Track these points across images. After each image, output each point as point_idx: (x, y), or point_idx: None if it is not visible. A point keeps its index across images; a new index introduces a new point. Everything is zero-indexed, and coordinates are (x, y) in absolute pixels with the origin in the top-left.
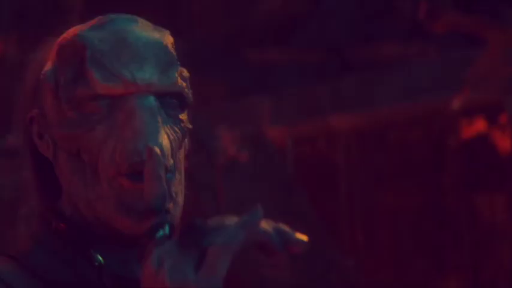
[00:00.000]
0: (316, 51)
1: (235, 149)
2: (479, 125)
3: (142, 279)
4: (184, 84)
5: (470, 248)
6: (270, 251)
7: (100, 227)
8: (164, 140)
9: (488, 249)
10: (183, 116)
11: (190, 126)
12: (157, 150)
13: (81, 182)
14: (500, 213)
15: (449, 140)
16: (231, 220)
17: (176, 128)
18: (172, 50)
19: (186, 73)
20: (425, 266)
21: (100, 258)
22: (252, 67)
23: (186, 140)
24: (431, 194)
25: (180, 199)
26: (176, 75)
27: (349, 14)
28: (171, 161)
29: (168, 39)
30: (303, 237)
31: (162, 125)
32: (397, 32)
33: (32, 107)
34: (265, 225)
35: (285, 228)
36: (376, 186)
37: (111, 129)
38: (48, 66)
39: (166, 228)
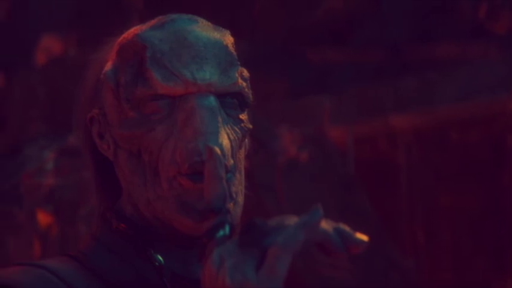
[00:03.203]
0: (376, 51)
1: (296, 149)
2: None
3: (202, 279)
4: (244, 84)
5: None
6: (330, 251)
7: (160, 227)
8: (224, 140)
9: None
10: (243, 116)
11: (250, 126)
12: (217, 150)
13: (142, 181)
14: None
15: (509, 140)
16: (291, 220)
17: (236, 128)
18: (233, 50)
19: (246, 73)
20: (485, 267)
21: (160, 258)
22: (311, 67)
23: (246, 140)
24: (492, 194)
25: (240, 199)
26: (236, 75)
27: (409, 13)
28: (232, 161)
29: (229, 39)
30: (363, 237)
31: (222, 125)
32: (457, 31)
33: (93, 107)
34: (325, 225)
35: (345, 228)
36: (437, 186)
37: (172, 129)
38: (108, 66)
39: (227, 228)
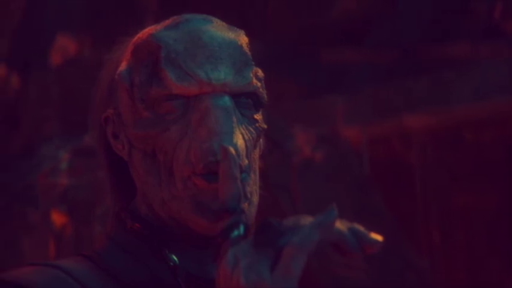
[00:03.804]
0: (390, 51)
1: (310, 149)
2: None
3: (217, 279)
4: (259, 84)
5: None
6: (345, 251)
7: (175, 227)
8: (239, 140)
9: None
10: (258, 116)
11: (265, 126)
12: (232, 150)
13: (156, 181)
14: None
15: None
16: (306, 220)
17: (251, 128)
18: (247, 50)
19: (260, 73)
20: (500, 267)
21: (175, 258)
22: (326, 67)
23: (260, 140)
24: (506, 194)
25: (255, 199)
26: (251, 75)
27: (423, 13)
28: (246, 161)
29: (243, 39)
30: (378, 237)
31: (237, 125)
32: (471, 31)
33: (107, 107)
34: (340, 225)
35: (360, 228)
36: (451, 186)
37: (186, 129)
38: (123, 66)
39: (241, 228)
